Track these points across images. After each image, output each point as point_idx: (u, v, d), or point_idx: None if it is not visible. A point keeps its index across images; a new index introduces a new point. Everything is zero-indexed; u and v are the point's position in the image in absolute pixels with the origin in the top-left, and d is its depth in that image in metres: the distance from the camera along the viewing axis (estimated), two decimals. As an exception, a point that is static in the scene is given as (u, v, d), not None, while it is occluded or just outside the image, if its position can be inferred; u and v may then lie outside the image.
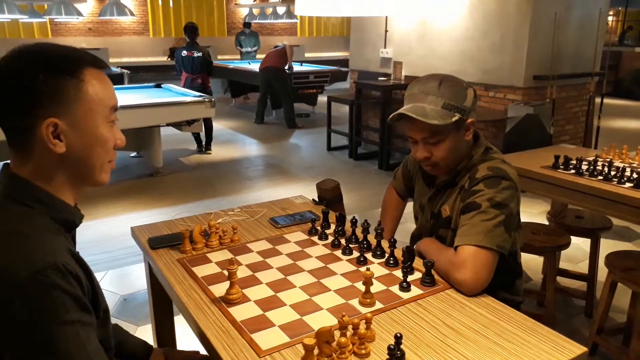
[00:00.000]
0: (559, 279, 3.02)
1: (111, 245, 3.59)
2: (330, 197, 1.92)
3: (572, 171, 2.45)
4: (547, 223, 2.84)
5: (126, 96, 5.48)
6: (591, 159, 2.50)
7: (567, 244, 2.48)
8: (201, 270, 1.42)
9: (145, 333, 2.37)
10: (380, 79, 6.14)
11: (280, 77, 7.74)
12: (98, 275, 3.16)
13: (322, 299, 1.28)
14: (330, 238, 1.63)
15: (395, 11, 5.29)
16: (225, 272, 1.26)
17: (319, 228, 1.68)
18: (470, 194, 1.45)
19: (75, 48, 0.99)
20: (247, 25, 10.96)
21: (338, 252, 1.55)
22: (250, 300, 1.28)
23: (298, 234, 1.69)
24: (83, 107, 0.94)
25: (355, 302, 1.27)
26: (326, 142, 6.66)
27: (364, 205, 4.38)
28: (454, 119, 1.45)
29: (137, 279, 3.11)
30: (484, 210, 1.39)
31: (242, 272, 1.41)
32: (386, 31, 6.22)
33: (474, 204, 1.42)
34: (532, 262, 3.26)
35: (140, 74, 10.41)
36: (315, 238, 1.66)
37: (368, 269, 1.23)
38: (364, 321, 1.10)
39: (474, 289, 1.33)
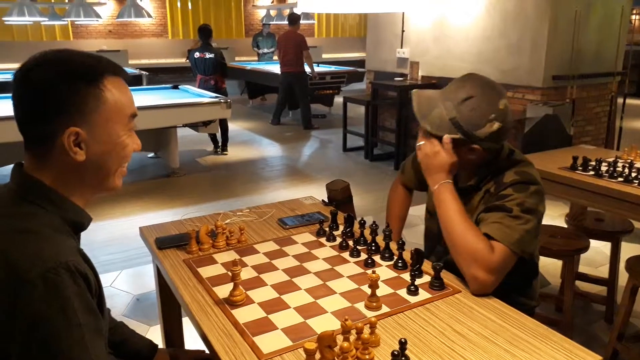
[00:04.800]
0: (578, 283, 2.94)
1: (126, 244, 3.62)
2: (340, 197, 1.89)
3: (591, 172, 2.39)
4: (565, 226, 2.76)
5: (144, 97, 5.53)
6: (611, 160, 2.43)
7: (585, 248, 2.41)
8: (206, 271, 1.41)
9: (157, 333, 2.37)
10: (396, 79, 6.09)
11: (301, 79, 7.72)
12: (112, 275, 3.19)
13: (327, 302, 1.26)
14: (338, 240, 1.60)
15: (406, 7, 5.23)
16: (229, 274, 1.24)
17: (327, 229, 1.65)
18: (497, 198, 1.40)
19: (95, 55, 0.99)
20: (265, 26, 10.99)
21: (345, 254, 1.52)
22: (254, 302, 1.26)
23: (306, 235, 1.67)
24: (103, 115, 0.94)
25: (361, 306, 1.24)
26: (342, 143, 6.62)
27: (379, 207, 4.33)
28: (451, 135, 1.40)
29: (150, 279, 3.11)
30: (516, 214, 1.34)
31: (247, 274, 1.40)
32: (403, 31, 6.16)
33: (504, 207, 1.37)
34: (550, 266, 3.19)
35: (159, 76, 10.51)
36: (323, 239, 1.63)
37: (374, 272, 1.20)
38: (368, 325, 1.07)
39: (485, 291, 1.30)
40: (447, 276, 1.39)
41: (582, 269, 3.06)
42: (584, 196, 2.37)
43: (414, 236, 3.81)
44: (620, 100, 5.18)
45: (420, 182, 1.81)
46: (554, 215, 4.08)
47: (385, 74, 6.41)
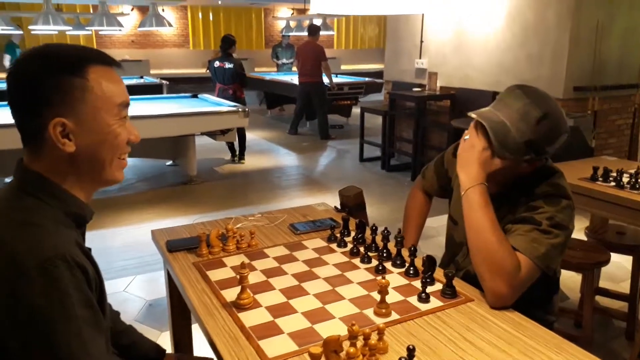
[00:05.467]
0: (599, 298, 2.86)
1: (141, 250, 3.64)
2: (352, 204, 1.87)
3: (612, 183, 2.33)
4: (585, 239, 2.70)
5: (163, 105, 5.61)
6: (633, 171, 2.37)
7: (606, 261, 2.34)
8: (215, 275, 1.40)
9: (167, 339, 2.36)
10: (414, 89, 6.07)
11: (319, 89, 7.75)
12: (126, 280, 3.20)
13: (335, 308, 1.23)
14: (350, 246, 1.58)
15: (420, 8, 5.22)
16: (238, 277, 1.22)
17: (338, 235, 1.63)
18: (527, 209, 1.34)
19: (82, 47, 1.00)
20: (285, 37, 11.09)
21: (356, 260, 1.50)
22: (261, 306, 1.24)
23: (317, 240, 1.65)
24: (90, 105, 0.94)
25: (370, 312, 1.21)
26: (358, 153, 6.61)
27: (394, 218, 4.29)
28: (524, 157, 1.33)
29: (163, 285, 3.12)
30: (544, 228, 1.29)
31: (256, 278, 1.38)
32: (422, 42, 6.15)
33: (532, 220, 1.31)
34: (570, 280, 3.11)
35: (180, 85, 10.65)
36: (333, 245, 1.61)
37: (383, 277, 1.18)
38: (376, 332, 1.04)
39: (503, 305, 1.25)
40: (459, 284, 1.35)
41: (603, 283, 2.98)
42: (604, 208, 2.31)
43: (430, 248, 3.75)
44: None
45: (442, 187, 1.77)
46: (575, 229, 3.99)
47: (404, 84, 6.39)
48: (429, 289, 1.31)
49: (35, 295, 0.81)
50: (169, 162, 6.21)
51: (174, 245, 1.58)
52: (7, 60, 8.88)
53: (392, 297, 1.28)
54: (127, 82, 7.84)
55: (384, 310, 1.19)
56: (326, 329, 1.13)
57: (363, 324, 1.14)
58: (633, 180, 2.27)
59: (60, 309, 0.82)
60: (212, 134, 5.68)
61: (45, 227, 0.89)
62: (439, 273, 1.39)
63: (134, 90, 7.29)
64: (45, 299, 0.82)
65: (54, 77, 0.91)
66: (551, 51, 4.71)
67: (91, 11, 10.71)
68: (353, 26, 15.01)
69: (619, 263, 3.35)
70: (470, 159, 1.35)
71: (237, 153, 6.56)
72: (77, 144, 0.93)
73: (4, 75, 8.31)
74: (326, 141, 7.84)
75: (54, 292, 0.82)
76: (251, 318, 1.19)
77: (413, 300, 1.27)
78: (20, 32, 8.65)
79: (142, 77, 8.56)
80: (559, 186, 1.37)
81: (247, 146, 6.77)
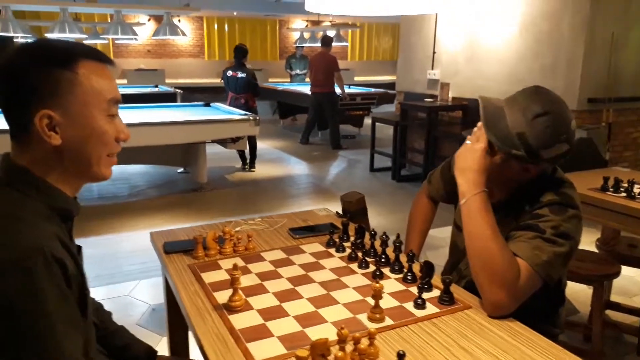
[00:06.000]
0: (610, 313, 2.79)
1: (148, 255, 3.63)
2: (354, 209, 1.84)
3: (623, 194, 2.27)
4: (596, 251, 2.63)
5: (176, 113, 5.67)
6: (644, 181, 2.31)
7: (616, 273, 2.28)
8: (209, 277, 1.38)
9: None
10: (426, 100, 6.04)
11: (331, 99, 7.77)
12: (132, 284, 3.20)
13: (328, 312, 1.21)
14: (348, 251, 1.55)
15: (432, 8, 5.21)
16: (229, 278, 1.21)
17: (337, 240, 1.60)
18: (531, 217, 1.29)
19: (73, 42, 1.00)
20: (299, 48, 11.16)
21: (354, 265, 1.47)
22: (253, 308, 1.22)
23: (315, 245, 1.63)
24: (78, 99, 0.93)
25: (363, 317, 1.18)
26: (369, 163, 6.58)
27: (403, 227, 4.24)
28: (513, 151, 1.28)
29: (167, 290, 3.12)
30: (548, 237, 1.24)
31: (250, 280, 1.36)
32: (434, 52, 6.13)
33: (536, 227, 1.26)
34: (580, 293, 3.03)
35: (195, 95, 10.76)
36: (332, 250, 1.58)
37: (377, 282, 1.15)
38: (366, 337, 1.01)
39: (502, 314, 1.21)
40: (457, 291, 1.32)
41: (615, 297, 2.91)
42: (614, 219, 2.25)
43: (437, 258, 3.70)
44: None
45: (449, 193, 1.72)
46: (585, 241, 3.91)
47: (416, 95, 6.38)
48: (426, 295, 1.27)
49: (9, 289, 0.80)
50: (180, 170, 6.24)
51: (171, 247, 1.57)
52: None
53: (388, 302, 1.25)
54: (141, 90, 8.07)
55: (377, 316, 1.16)
56: (317, 333, 1.11)
57: (355, 329, 1.11)
58: (644, 191, 2.22)
59: (33, 304, 0.81)
60: (223, 142, 5.70)
61: (24, 220, 0.88)
62: (437, 279, 1.36)
63: (148, 98, 7.39)
64: (19, 293, 0.80)
65: (42, 69, 0.91)
66: (565, 62, 4.66)
67: (109, 21, 10.89)
68: (367, 38, 15.06)
69: (632, 277, 3.27)
70: (469, 162, 1.31)
71: (248, 161, 6.58)
72: (63, 137, 0.93)
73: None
74: (337, 151, 7.83)
75: (28, 286, 0.81)
76: (242, 320, 1.16)
77: (409, 306, 1.24)
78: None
79: (156, 86, 8.69)
80: (567, 195, 1.32)
81: (258, 155, 6.79)
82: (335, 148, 7.90)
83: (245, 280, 1.35)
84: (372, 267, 1.44)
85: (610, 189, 2.33)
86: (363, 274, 1.42)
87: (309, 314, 1.19)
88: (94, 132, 0.96)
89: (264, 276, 1.40)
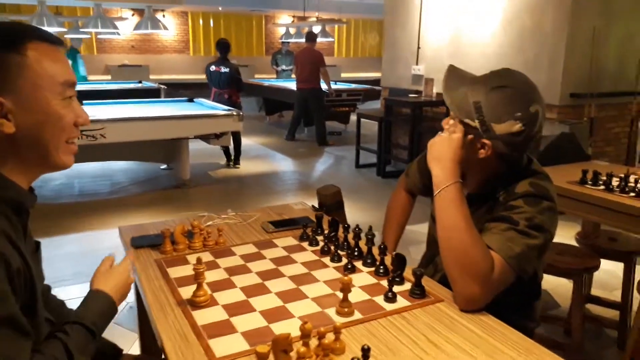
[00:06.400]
0: (591, 307, 2.79)
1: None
2: (330, 202, 1.81)
3: (602, 187, 2.26)
4: (576, 245, 2.63)
5: (158, 109, 5.60)
6: (622, 174, 2.30)
7: (595, 267, 2.28)
8: (176, 272, 1.34)
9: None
10: (410, 95, 6.03)
11: (316, 95, 7.72)
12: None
13: (296, 307, 1.17)
14: (321, 244, 1.52)
15: None
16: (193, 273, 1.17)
17: (310, 233, 1.57)
18: (505, 209, 1.26)
19: (22, 24, 0.95)
20: (284, 44, 11.10)
21: (326, 259, 1.44)
22: (218, 304, 1.18)
23: (288, 239, 1.59)
24: (28, 83, 0.89)
25: (331, 311, 1.15)
26: (354, 159, 6.56)
27: (386, 223, 4.24)
28: (467, 120, 1.26)
29: (146, 287, 3.06)
30: (522, 229, 1.20)
31: (217, 275, 1.32)
32: (419, 48, 6.12)
33: (510, 219, 1.22)
34: (561, 287, 3.04)
35: (179, 91, 10.66)
36: (305, 244, 1.55)
37: (346, 275, 1.11)
38: (332, 331, 0.98)
39: (474, 307, 1.18)
40: (429, 284, 1.29)
41: (595, 291, 2.91)
42: (593, 212, 2.25)
43: (419, 254, 3.68)
44: (641, 122, 5.01)
45: (426, 185, 1.67)
46: (566, 235, 3.92)
47: (400, 90, 6.36)
48: (398, 289, 1.24)
49: None
50: (163, 166, 6.17)
51: (139, 242, 1.52)
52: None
53: (358, 296, 1.22)
54: (125, 86, 7.97)
55: (346, 310, 1.13)
56: (283, 329, 1.07)
57: (322, 323, 1.07)
58: (623, 183, 2.21)
59: None
60: (206, 138, 5.64)
61: None
62: (409, 272, 1.33)
63: (131, 94, 7.30)
64: None
65: None
66: (548, 57, 4.67)
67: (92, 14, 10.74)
68: (354, 34, 15.03)
69: (612, 271, 3.27)
70: (445, 151, 1.27)
71: (233, 158, 6.52)
72: (17, 124, 0.88)
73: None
74: (323, 147, 7.80)
75: None
76: (205, 316, 1.12)
77: (379, 299, 1.21)
78: (81, 36, 8.68)
79: (140, 82, 8.60)
80: (541, 187, 1.29)
81: (244, 151, 6.73)
82: (321, 144, 7.87)
83: (213, 275, 1.31)
84: (344, 261, 1.41)
85: (589, 182, 2.32)
86: (335, 268, 1.39)
87: (276, 309, 1.16)
88: (50, 118, 0.91)
89: (232, 271, 1.35)
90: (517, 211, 1.24)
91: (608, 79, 4.85)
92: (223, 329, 1.07)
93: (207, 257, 1.43)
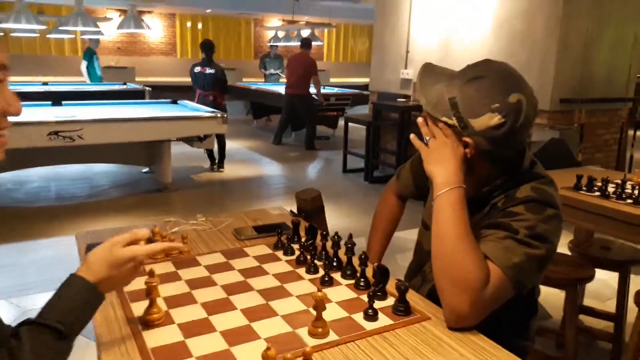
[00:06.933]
0: (584, 318, 2.68)
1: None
2: (309, 208, 1.67)
3: (597, 193, 2.16)
4: (569, 253, 2.52)
5: (141, 110, 5.45)
6: (619, 180, 2.20)
7: (589, 277, 2.16)
8: (131, 284, 1.19)
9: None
10: (399, 100, 5.92)
11: (305, 101, 7.60)
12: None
13: (263, 326, 1.03)
14: (297, 253, 1.38)
15: None
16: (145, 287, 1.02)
17: (285, 241, 1.43)
18: (504, 215, 1.12)
19: None
20: (273, 47, 10.98)
21: (302, 270, 1.30)
22: (174, 322, 1.03)
23: (261, 247, 1.45)
24: None
25: (304, 331, 1.01)
26: (342, 164, 6.44)
27: (373, 229, 4.11)
28: (444, 119, 1.12)
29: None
30: (521, 238, 1.07)
31: (177, 289, 1.18)
32: (407, 52, 6.03)
33: (509, 227, 1.09)
34: (552, 297, 2.92)
35: (166, 93, 10.48)
36: (279, 253, 1.41)
37: (320, 290, 0.97)
38: (301, 357, 0.84)
39: (463, 325, 1.05)
40: (415, 299, 1.16)
41: (588, 302, 2.80)
42: (588, 219, 2.14)
43: (408, 260, 3.55)
44: (630, 132, 4.95)
45: (419, 187, 1.56)
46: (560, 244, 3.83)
47: (389, 94, 6.25)
48: (380, 305, 1.11)
49: None
50: (145, 169, 6.00)
51: (94, 250, 1.37)
52: (83, 67, 8.86)
53: (334, 313, 1.08)
54: (109, 87, 7.79)
55: (320, 330, 0.99)
56: (246, 353, 0.93)
57: (291, 347, 0.94)
58: (619, 190, 2.10)
59: None
60: (189, 141, 5.49)
61: None
62: (393, 285, 1.19)
63: (115, 95, 7.14)
64: None
65: None
66: (538, 62, 4.58)
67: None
68: (343, 39, 14.96)
69: (605, 280, 3.17)
70: (447, 153, 1.13)
71: (217, 161, 6.37)
72: None
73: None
74: (311, 152, 7.67)
75: None
76: (157, 337, 0.98)
77: (358, 317, 1.07)
78: (97, 37, 8.57)
79: (125, 84, 8.46)
80: (545, 192, 1.15)
81: (229, 155, 6.59)
82: (308, 149, 7.75)
83: (171, 289, 1.17)
84: (321, 272, 1.27)
85: (584, 188, 2.21)
86: (310, 280, 1.25)
87: (240, 329, 1.01)
88: None
89: (194, 284, 1.21)
90: (518, 218, 1.10)
91: (598, 84, 4.78)
92: (175, 353, 0.93)
93: (167, 267, 1.29)
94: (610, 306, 2.88)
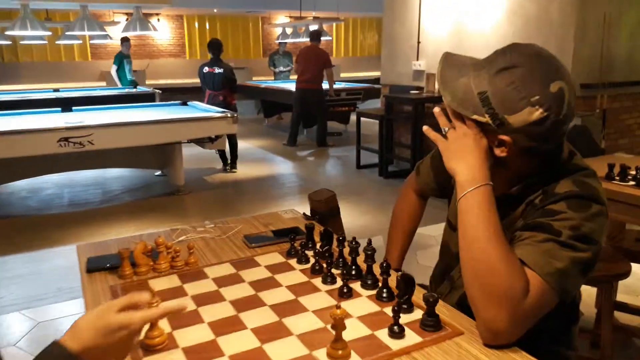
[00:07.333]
0: (617, 314, 2.53)
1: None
2: (324, 210, 1.57)
3: (631, 182, 2.01)
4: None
5: (151, 113, 5.41)
6: (655, 168, 2.06)
7: (627, 273, 2.03)
8: (132, 302, 1.09)
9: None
10: (412, 92, 5.78)
11: (319, 97, 7.43)
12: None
13: (277, 348, 0.92)
14: (312, 261, 1.27)
15: None
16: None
17: (299, 248, 1.32)
18: (543, 213, 0.99)
19: None
20: (281, 44, 10.87)
21: (317, 280, 1.19)
22: (178, 346, 0.93)
23: (274, 255, 1.34)
24: None
25: (322, 354, 0.90)
26: (355, 160, 6.31)
27: (390, 226, 3.99)
28: (475, 116, 0.99)
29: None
30: (565, 241, 0.94)
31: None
32: (419, 42, 5.87)
33: (549, 228, 0.96)
34: (583, 293, 2.78)
35: (176, 95, 10.44)
36: (293, 261, 1.30)
37: (338, 307, 0.86)
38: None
39: (501, 343, 0.93)
40: (444, 310, 1.04)
41: (620, 297, 2.65)
42: (623, 210, 2.00)
43: (428, 259, 3.44)
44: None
45: (441, 185, 1.43)
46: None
47: (401, 87, 6.10)
48: (405, 319, 1.00)
49: None
50: (158, 172, 5.95)
51: (95, 264, 1.28)
52: (113, 70, 8.97)
53: (356, 330, 0.97)
54: (119, 92, 7.78)
55: (340, 352, 0.88)
56: (258, 380, 0.83)
57: (309, 372, 0.83)
58: (656, 178, 1.96)
59: None
60: (200, 142, 5.42)
61: None
62: (420, 295, 1.08)
63: (125, 99, 7.11)
64: None
65: None
66: (555, 47, 4.40)
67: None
68: (352, 33, 14.79)
69: (636, 273, 3.01)
70: (469, 146, 1.00)
71: (229, 162, 6.29)
72: None
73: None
74: (323, 149, 7.55)
75: None
76: (160, 364, 0.88)
77: (383, 335, 0.96)
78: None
79: (135, 87, 8.46)
80: (589, 186, 1.01)
81: (241, 155, 6.52)
82: (320, 145, 7.62)
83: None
84: (339, 282, 1.16)
85: (616, 177, 2.07)
86: (328, 292, 1.14)
87: (252, 353, 0.91)
88: None
89: (201, 299, 1.11)
90: (559, 217, 0.96)
91: (620, 67, 4.60)
92: (180, 383, 0.83)
93: (173, 281, 1.19)
94: (645, 300, 2.74)
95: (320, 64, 7.29)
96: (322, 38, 10.56)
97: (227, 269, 1.26)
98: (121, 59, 8.82)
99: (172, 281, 1.19)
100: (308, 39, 7.76)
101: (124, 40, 8.84)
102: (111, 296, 1.12)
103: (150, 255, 1.25)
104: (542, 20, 4.49)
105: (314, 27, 10.50)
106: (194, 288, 1.16)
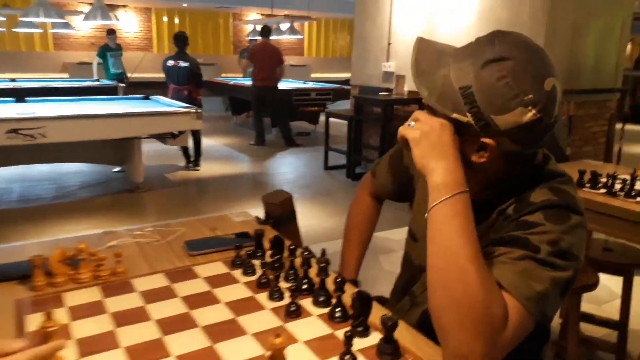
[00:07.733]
0: (582, 325, 2.47)
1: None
2: (279, 213, 1.42)
3: (602, 190, 1.94)
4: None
5: (111, 106, 5.17)
6: (626, 176, 1.99)
7: (594, 284, 1.96)
8: (39, 320, 0.93)
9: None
10: (381, 93, 5.69)
11: (276, 94, 7.29)
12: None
13: (204, 381, 0.78)
14: (259, 273, 1.13)
15: None
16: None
17: (245, 257, 1.17)
18: (518, 226, 0.87)
19: None
20: (252, 41, 10.68)
21: (263, 296, 1.04)
22: (81, 379, 0.78)
23: (216, 265, 1.18)
24: None
25: (257, 388, 0.76)
26: (323, 161, 6.19)
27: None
28: (455, 115, 0.85)
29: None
30: (544, 258, 0.82)
31: (98, 327, 0.91)
32: (389, 44, 5.79)
33: (527, 243, 0.84)
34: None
35: (141, 90, 10.11)
36: (237, 272, 1.15)
37: (278, 335, 0.72)
38: None
39: None
40: (404, 334, 0.91)
41: (585, 306, 2.59)
42: (593, 219, 1.92)
43: (392, 264, 3.33)
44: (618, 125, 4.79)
45: (400, 188, 1.29)
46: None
47: (371, 88, 6.01)
48: (360, 344, 0.86)
49: None
50: (117, 169, 5.69)
51: (3, 271, 1.10)
52: (95, 63, 8.68)
53: (301, 359, 0.83)
54: (81, 84, 7.45)
55: (278, 387, 0.74)
56: None
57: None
58: (627, 186, 1.89)
59: None
60: (162, 138, 5.19)
61: None
62: (376, 315, 0.94)
63: (87, 92, 6.81)
64: None
65: None
66: (525, 51, 4.39)
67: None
68: (324, 33, 14.69)
69: (602, 282, 2.97)
70: (443, 144, 0.84)
71: (192, 159, 6.08)
72: None
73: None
74: (291, 148, 7.40)
75: None
76: (56, 403, 0.72)
77: (332, 364, 0.82)
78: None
79: (98, 80, 8.17)
80: (567, 194, 0.90)
81: (206, 152, 6.32)
82: (288, 145, 7.46)
83: (90, 327, 0.90)
84: (287, 298, 1.01)
85: (587, 185, 1.99)
86: (273, 310, 0.99)
87: (172, 387, 0.76)
88: None
89: (122, 318, 0.94)
90: (536, 230, 0.84)
91: (587, 75, 4.61)
92: None
93: (93, 295, 1.02)
94: (608, 311, 2.69)
95: (274, 62, 7.18)
96: (293, 36, 10.44)
97: (159, 281, 1.09)
98: (104, 52, 8.45)
99: (93, 294, 1.02)
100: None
101: (109, 32, 8.50)
102: (16, 311, 0.95)
103: (70, 263, 1.08)
104: (513, 24, 4.45)
105: (285, 24, 10.34)
106: (116, 303, 0.99)
